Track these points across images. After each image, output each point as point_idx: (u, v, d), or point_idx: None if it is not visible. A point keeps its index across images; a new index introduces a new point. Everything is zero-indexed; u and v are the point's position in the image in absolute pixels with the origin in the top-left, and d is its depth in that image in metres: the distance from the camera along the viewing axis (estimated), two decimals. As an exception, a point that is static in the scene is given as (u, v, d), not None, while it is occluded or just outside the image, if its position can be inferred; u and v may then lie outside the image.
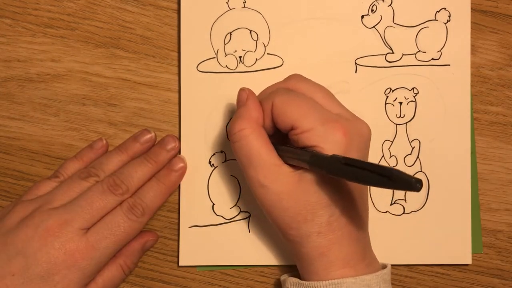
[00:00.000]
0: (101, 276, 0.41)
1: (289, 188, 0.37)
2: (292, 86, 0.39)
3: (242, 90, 0.40)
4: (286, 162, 0.38)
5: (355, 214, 0.38)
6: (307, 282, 0.38)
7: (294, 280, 0.39)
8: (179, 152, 0.45)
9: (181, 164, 0.44)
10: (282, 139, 0.40)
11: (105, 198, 0.40)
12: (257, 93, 0.44)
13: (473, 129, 0.45)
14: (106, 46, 0.46)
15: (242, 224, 0.45)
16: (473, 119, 0.45)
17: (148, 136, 0.44)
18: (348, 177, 0.33)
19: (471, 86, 0.45)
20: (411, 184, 0.29)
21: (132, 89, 0.46)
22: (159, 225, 0.46)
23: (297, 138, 0.37)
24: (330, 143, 0.36)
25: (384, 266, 0.39)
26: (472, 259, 0.45)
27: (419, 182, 0.29)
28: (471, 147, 0.45)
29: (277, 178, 0.37)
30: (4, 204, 0.46)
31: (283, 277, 0.42)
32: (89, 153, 0.45)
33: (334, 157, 0.34)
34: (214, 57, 0.45)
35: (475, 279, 0.45)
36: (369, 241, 0.40)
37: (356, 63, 0.45)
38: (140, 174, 0.42)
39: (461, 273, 0.45)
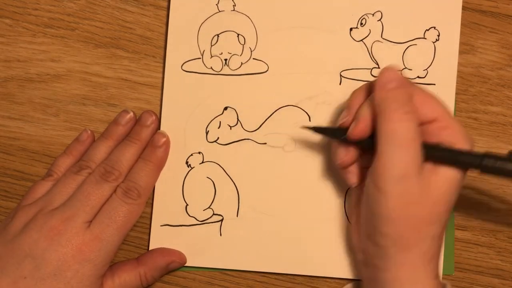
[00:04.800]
0: (119, 277, 0.42)
1: (422, 189, 0.36)
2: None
3: (390, 70, 0.38)
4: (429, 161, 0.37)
5: (442, 236, 0.38)
6: None
7: None
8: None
9: (164, 139, 0.44)
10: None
11: (100, 188, 0.41)
12: (237, 99, 0.44)
13: None
14: (106, 46, 0.46)
15: (214, 227, 0.45)
16: None
17: (128, 116, 0.45)
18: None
19: (471, 86, 0.45)
20: None
21: (132, 89, 0.46)
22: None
23: (437, 132, 0.37)
24: (469, 143, 0.36)
25: (444, 286, 0.39)
26: (472, 259, 0.45)
27: None
28: None
29: (419, 172, 0.36)
30: (4, 204, 0.46)
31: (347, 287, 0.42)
32: (77, 146, 0.45)
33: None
34: (200, 58, 0.45)
35: (475, 279, 0.45)
36: None
37: (341, 75, 0.45)
38: (128, 156, 0.43)
39: (461, 273, 0.45)
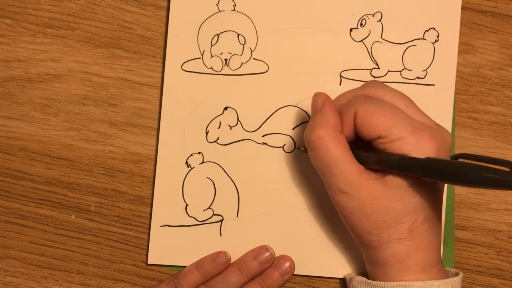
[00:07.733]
0: None
1: (372, 195, 0.36)
2: (372, 93, 0.38)
3: (317, 95, 0.39)
4: (368, 168, 0.37)
5: (435, 221, 0.37)
6: (374, 282, 0.38)
7: (361, 279, 0.40)
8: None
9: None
10: (362, 145, 0.38)
11: None
12: (237, 99, 0.44)
13: (453, 151, 0.45)
14: (106, 46, 0.46)
15: (214, 227, 0.45)
16: (454, 141, 0.45)
17: (267, 254, 0.44)
18: (445, 176, 0.32)
19: (471, 86, 0.45)
20: None
21: (132, 89, 0.46)
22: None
23: (384, 147, 0.36)
24: (421, 152, 0.35)
25: (456, 273, 0.39)
26: (472, 259, 0.45)
27: None
28: None
29: (359, 185, 0.36)
30: (4, 204, 0.46)
31: (349, 275, 0.42)
32: (210, 266, 0.44)
33: (429, 159, 0.34)
34: (200, 58, 0.45)
35: (475, 279, 0.45)
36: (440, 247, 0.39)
37: (341, 76, 0.45)
38: None
39: (461, 273, 0.45)
